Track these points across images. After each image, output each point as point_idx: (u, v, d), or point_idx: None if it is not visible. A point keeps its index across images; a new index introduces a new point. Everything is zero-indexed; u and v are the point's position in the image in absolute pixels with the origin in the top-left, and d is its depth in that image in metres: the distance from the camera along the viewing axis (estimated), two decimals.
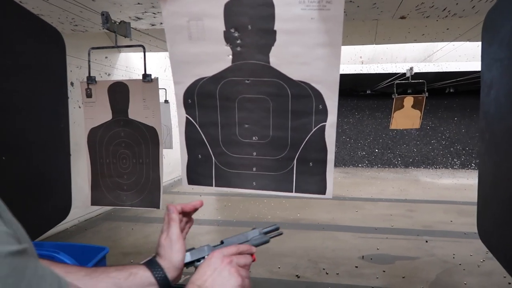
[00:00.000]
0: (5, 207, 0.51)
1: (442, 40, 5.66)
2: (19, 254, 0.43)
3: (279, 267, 4.08)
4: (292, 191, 1.47)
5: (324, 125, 1.37)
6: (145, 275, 0.82)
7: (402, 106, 6.77)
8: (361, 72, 8.79)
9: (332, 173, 1.43)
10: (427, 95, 6.74)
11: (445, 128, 12.15)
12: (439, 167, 12.02)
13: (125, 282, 0.78)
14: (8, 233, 0.44)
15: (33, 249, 0.53)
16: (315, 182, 1.45)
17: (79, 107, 5.16)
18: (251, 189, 1.51)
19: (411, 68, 6.46)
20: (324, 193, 1.46)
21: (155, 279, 0.81)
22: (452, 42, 5.93)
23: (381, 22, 4.66)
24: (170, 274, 0.84)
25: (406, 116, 6.76)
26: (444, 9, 3.53)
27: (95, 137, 2.65)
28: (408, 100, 6.77)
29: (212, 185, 1.55)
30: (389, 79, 8.80)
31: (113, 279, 0.78)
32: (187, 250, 0.90)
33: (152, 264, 0.84)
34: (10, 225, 0.47)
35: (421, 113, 6.74)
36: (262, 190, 1.49)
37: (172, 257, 0.85)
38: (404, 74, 7.02)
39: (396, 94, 6.87)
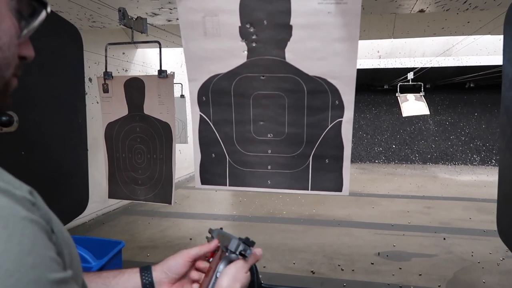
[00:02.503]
0: (62, 226, 0.51)
1: (462, 34, 5.53)
2: (61, 283, 0.43)
3: (294, 263, 4.07)
4: (308, 189, 1.46)
5: (341, 121, 1.35)
6: (132, 274, 0.84)
7: (407, 100, 7.90)
8: (378, 66, 8.68)
9: (348, 170, 1.41)
10: (423, 94, 7.87)
11: (465, 123, 11.92)
12: (458, 164, 11.81)
13: (113, 279, 0.82)
14: (54, 259, 0.44)
15: (78, 273, 0.54)
16: (331, 179, 1.43)
17: (97, 102, 5.22)
18: (266, 188, 1.49)
19: (413, 73, 7.76)
20: (340, 190, 1.44)
21: (141, 280, 0.84)
22: (472, 36, 5.79)
23: (399, 16, 4.57)
24: (159, 280, 0.85)
25: (414, 106, 7.81)
26: (465, 2, 3.44)
27: (112, 131, 2.68)
28: (410, 96, 7.91)
29: (226, 185, 1.53)
30: (407, 74, 8.67)
31: (102, 278, 0.81)
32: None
33: (145, 268, 0.86)
34: (61, 247, 0.48)
35: (425, 103, 7.78)
36: (277, 188, 1.47)
37: (168, 262, 0.87)
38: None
39: (399, 93, 7.97)
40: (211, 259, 0.90)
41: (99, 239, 2.78)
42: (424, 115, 8.88)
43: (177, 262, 0.87)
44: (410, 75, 7.70)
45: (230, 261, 0.87)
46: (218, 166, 1.52)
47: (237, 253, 0.88)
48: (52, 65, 1.74)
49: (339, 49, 1.23)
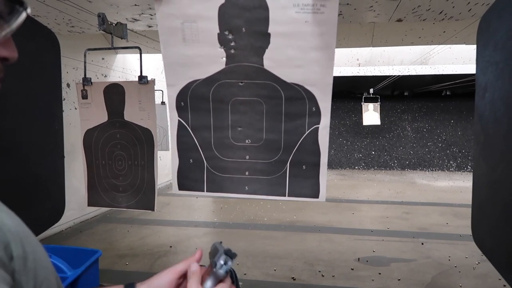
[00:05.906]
0: (36, 246, 0.48)
1: (439, 43, 5.68)
2: None
3: (275, 270, 4.07)
4: (285, 195, 1.46)
5: (318, 128, 1.37)
6: None
7: (368, 110, 10.62)
8: (358, 74, 8.83)
9: (325, 176, 1.42)
10: (380, 103, 10.54)
11: (442, 130, 12.19)
12: (435, 170, 12.05)
13: None
14: None
15: None
16: (308, 186, 1.44)
17: (75, 108, 5.13)
18: (243, 194, 1.48)
19: (372, 89, 10.50)
20: (317, 196, 1.45)
21: None
22: (448, 45, 5.95)
23: (378, 25, 4.67)
24: None
25: (371, 116, 10.58)
26: (441, 12, 3.54)
27: (91, 138, 2.64)
28: (370, 106, 10.61)
29: (203, 191, 1.52)
30: (386, 82, 8.85)
31: None
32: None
33: (128, 286, 0.80)
34: (23, 273, 0.45)
35: (378, 114, 10.64)
36: (255, 194, 1.48)
37: (153, 281, 0.81)
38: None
39: (363, 102, 10.57)
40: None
41: (75, 248, 2.72)
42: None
43: (163, 280, 0.80)
44: (371, 91, 10.52)
45: (217, 278, 0.78)
46: (195, 172, 1.51)
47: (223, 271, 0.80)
48: (27, 70, 1.71)
49: (316, 57, 1.25)
